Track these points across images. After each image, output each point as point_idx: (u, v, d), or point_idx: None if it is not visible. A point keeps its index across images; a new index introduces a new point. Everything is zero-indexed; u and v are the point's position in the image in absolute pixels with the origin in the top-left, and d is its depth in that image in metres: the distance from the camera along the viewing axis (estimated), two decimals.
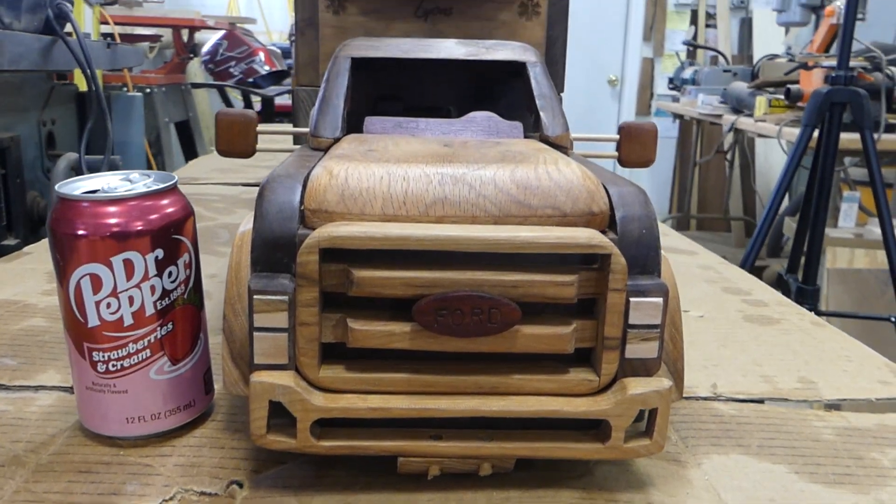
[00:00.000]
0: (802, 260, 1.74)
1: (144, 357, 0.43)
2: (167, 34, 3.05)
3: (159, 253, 0.42)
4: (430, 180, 0.40)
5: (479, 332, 0.38)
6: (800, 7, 3.08)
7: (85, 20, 2.34)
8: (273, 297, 0.38)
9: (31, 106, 1.37)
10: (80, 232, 0.41)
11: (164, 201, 0.43)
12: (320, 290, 0.38)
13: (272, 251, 0.39)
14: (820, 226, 1.58)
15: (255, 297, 0.38)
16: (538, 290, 0.38)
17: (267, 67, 3.30)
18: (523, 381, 0.40)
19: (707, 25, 4.90)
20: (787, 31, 4.25)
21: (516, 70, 0.62)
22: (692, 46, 4.65)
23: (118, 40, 2.44)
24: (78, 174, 1.38)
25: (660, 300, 0.39)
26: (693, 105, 3.67)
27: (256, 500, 0.40)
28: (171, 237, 0.43)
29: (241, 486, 0.41)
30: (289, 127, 0.69)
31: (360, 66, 0.62)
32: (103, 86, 2.25)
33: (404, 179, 0.40)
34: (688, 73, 4.00)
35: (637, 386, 0.39)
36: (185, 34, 2.85)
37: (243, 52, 3.27)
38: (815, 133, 1.63)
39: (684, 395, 0.53)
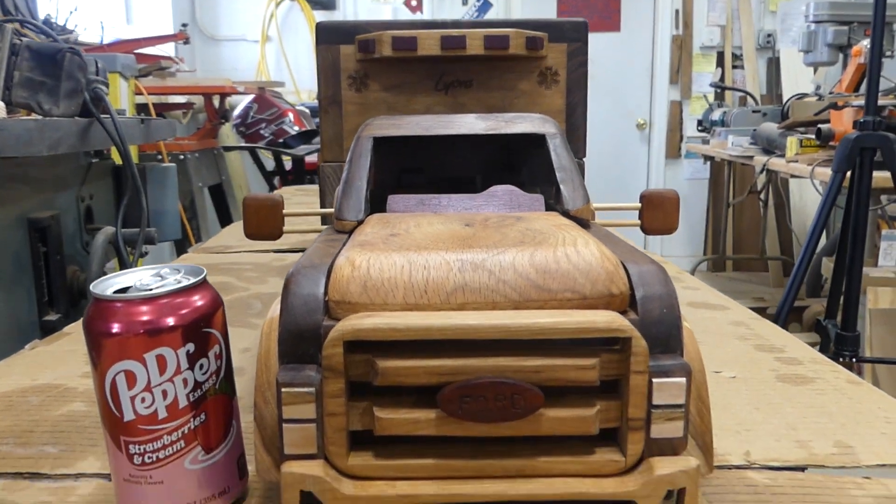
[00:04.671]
0: (841, 302, 1.72)
1: (179, 448, 0.44)
2: (199, 100, 3.14)
3: (190, 347, 0.43)
4: (451, 268, 0.41)
5: (503, 417, 0.38)
6: (826, 47, 3.08)
7: (120, 92, 2.41)
8: (300, 390, 0.39)
9: (69, 183, 1.42)
10: (115, 330, 0.42)
11: (194, 296, 0.44)
12: (346, 380, 0.39)
13: (298, 343, 0.40)
14: (857, 270, 1.56)
15: (283, 389, 0.39)
16: (560, 375, 0.39)
17: (296, 128, 3.38)
18: (549, 463, 0.40)
19: (734, 66, 4.91)
20: (815, 70, 4.25)
21: (537, 140, 0.63)
22: (720, 88, 4.66)
23: (153, 111, 2.52)
24: (115, 248, 1.42)
25: (683, 380, 0.39)
26: (723, 147, 3.66)
27: None
28: (202, 331, 0.44)
29: None
30: (316, 206, 0.70)
31: (384, 141, 0.63)
32: (139, 155, 2.32)
33: (425, 268, 0.41)
34: (717, 115, 4.00)
35: (664, 466, 0.39)
36: (216, 100, 2.92)
37: (273, 113, 3.35)
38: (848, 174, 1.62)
39: (717, 465, 0.53)
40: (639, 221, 0.62)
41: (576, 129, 0.77)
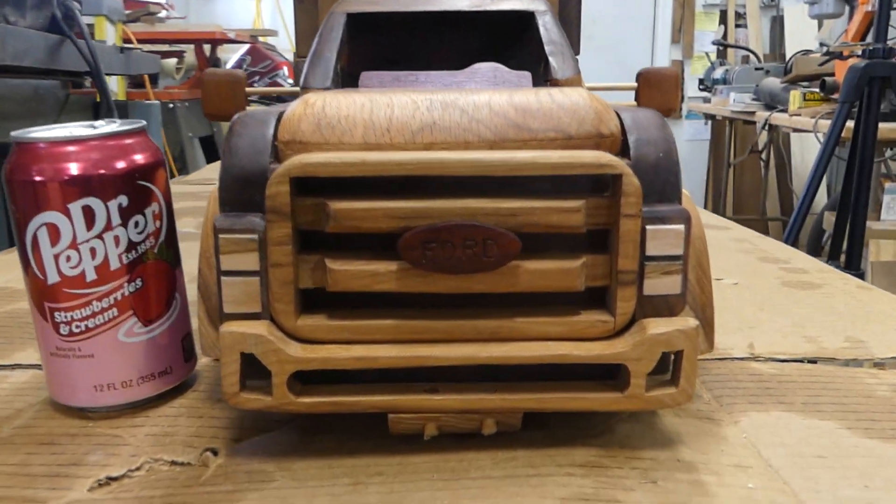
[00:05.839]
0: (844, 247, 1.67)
1: (111, 317, 0.39)
2: (192, 53, 3.06)
3: (123, 200, 0.38)
4: (418, 106, 0.36)
5: (474, 267, 0.33)
6: None
7: (107, 37, 2.34)
8: (241, 236, 0.34)
9: (46, 113, 1.36)
10: (36, 178, 0.37)
11: (129, 144, 0.39)
12: (294, 226, 0.34)
13: (242, 189, 0.35)
14: (861, 209, 1.51)
15: (220, 236, 0.34)
16: (540, 219, 0.34)
17: (290, 81, 3.30)
18: (528, 324, 0.35)
19: (737, 25, 4.82)
20: (819, 27, 4.16)
21: (526, 25, 0.58)
22: (722, 46, 4.57)
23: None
24: None
25: (681, 227, 0.34)
26: (725, 104, 3.59)
27: (232, 468, 0.35)
28: (137, 183, 0.39)
29: (215, 453, 0.37)
30: (280, 88, 0.65)
31: (361, 30, 0.58)
32: (126, 101, 2.25)
33: (388, 106, 0.36)
34: (719, 73, 3.92)
35: (658, 325, 0.34)
36: (207, 49, 2.85)
37: (267, 66, 3.27)
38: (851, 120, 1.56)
39: (718, 357, 0.48)
40: (635, 103, 0.57)
41: (569, 24, 0.72)
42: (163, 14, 2.75)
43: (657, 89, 0.56)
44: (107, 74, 1.49)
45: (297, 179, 0.34)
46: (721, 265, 0.71)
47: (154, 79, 2.79)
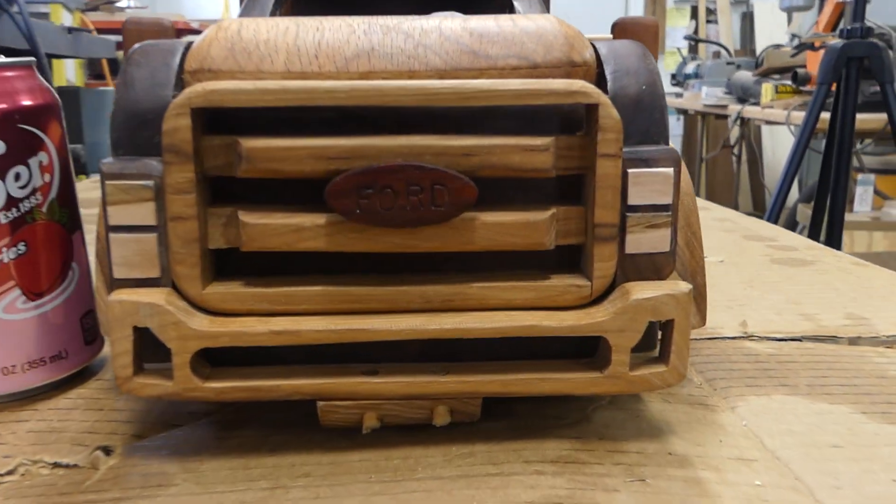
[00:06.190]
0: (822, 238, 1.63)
1: None
2: None
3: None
4: (354, 30, 0.30)
5: (420, 219, 0.27)
6: None
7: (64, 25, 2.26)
8: (134, 183, 0.27)
9: None
10: None
11: (11, 81, 0.32)
12: (199, 171, 0.28)
13: (138, 128, 0.29)
14: (841, 194, 1.47)
15: (108, 182, 0.27)
16: (500, 159, 0.28)
17: None
18: (487, 290, 0.29)
19: (708, 21, 4.81)
20: (789, 21, 4.15)
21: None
22: (694, 41, 4.55)
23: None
24: None
25: (669, 170, 0.28)
26: (697, 98, 3.57)
27: (125, 470, 0.29)
28: (19, 127, 0.32)
29: (108, 453, 0.30)
30: None
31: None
32: (78, 87, 2.15)
33: (317, 30, 0.30)
34: (690, 68, 3.91)
35: (643, 290, 0.28)
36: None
37: None
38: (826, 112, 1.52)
39: (708, 336, 0.43)
40: None
41: None
42: (123, 3, 2.66)
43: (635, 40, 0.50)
44: (55, 56, 1.41)
45: (205, 114, 0.28)
46: (705, 243, 0.65)
47: (116, 68, 2.70)
